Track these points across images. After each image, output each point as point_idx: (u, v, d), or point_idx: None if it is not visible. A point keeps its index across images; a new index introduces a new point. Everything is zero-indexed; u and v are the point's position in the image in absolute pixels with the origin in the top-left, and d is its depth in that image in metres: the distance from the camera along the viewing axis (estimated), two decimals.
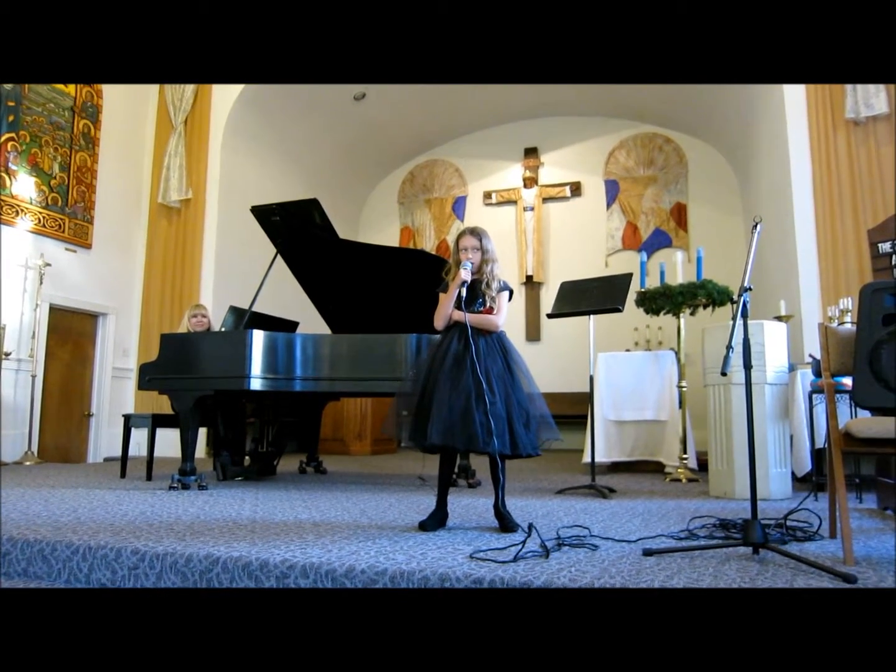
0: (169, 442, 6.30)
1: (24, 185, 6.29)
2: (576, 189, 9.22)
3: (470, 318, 2.64)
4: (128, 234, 7.50)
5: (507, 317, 2.82)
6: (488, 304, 2.73)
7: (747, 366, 2.20)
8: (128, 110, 7.52)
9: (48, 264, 6.37)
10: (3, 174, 6.10)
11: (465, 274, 2.67)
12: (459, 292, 2.65)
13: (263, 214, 4.58)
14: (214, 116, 7.48)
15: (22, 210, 6.25)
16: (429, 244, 9.75)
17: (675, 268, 5.12)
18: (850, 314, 4.38)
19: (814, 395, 3.93)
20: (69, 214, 6.72)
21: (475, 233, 2.78)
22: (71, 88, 6.86)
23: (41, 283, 6.29)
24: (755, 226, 2.38)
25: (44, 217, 6.46)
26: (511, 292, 2.84)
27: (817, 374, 3.85)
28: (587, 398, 4.50)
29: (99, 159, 7.11)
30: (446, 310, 2.71)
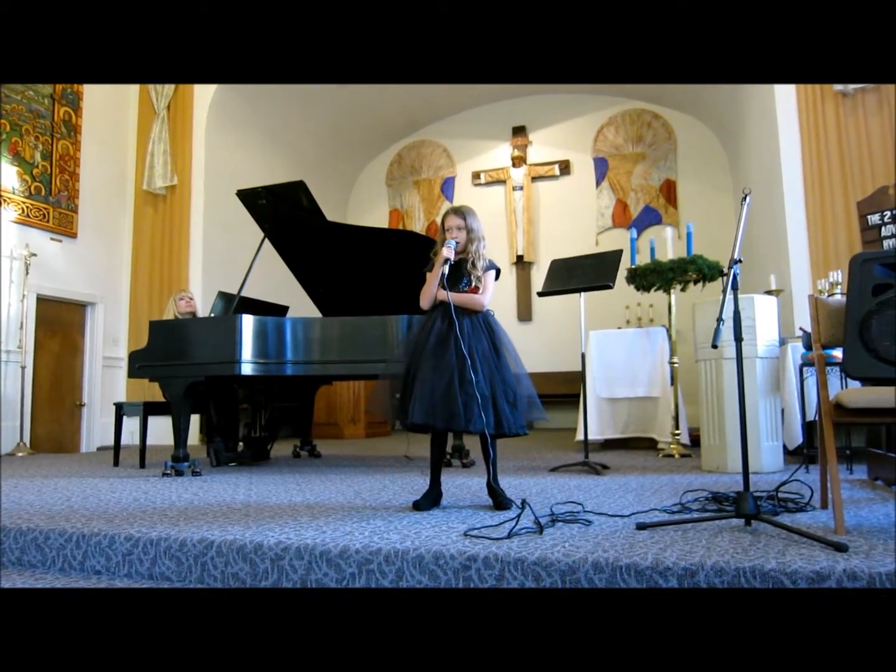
0: (162, 430, 6.27)
1: (6, 175, 6.19)
2: (565, 167, 9.16)
3: (454, 297, 2.63)
4: (113, 222, 7.41)
5: (498, 297, 2.81)
6: (474, 284, 2.72)
7: (738, 338, 2.20)
8: (109, 96, 7.39)
9: (34, 254, 6.29)
10: None
11: (448, 252, 2.65)
12: (443, 271, 2.63)
13: (250, 198, 4.53)
14: (198, 101, 7.36)
15: (5, 200, 6.15)
16: (418, 226, 9.70)
17: (665, 244, 5.11)
18: (839, 287, 4.38)
19: (804, 369, 3.95)
20: (53, 203, 6.63)
21: (459, 212, 2.77)
22: None
23: (27, 273, 6.22)
24: (745, 197, 2.37)
25: (27, 207, 6.37)
26: (498, 271, 2.83)
27: (808, 346, 3.86)
28: (579, 376, 4.51)
29: (81, 147, 7.00)
30: (431, 289, 2.71)
